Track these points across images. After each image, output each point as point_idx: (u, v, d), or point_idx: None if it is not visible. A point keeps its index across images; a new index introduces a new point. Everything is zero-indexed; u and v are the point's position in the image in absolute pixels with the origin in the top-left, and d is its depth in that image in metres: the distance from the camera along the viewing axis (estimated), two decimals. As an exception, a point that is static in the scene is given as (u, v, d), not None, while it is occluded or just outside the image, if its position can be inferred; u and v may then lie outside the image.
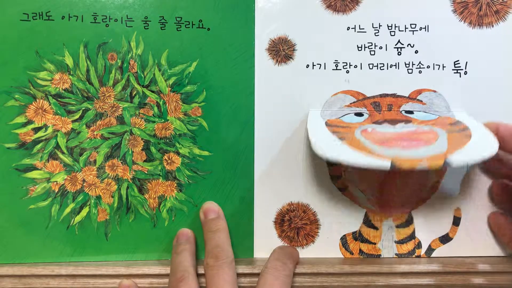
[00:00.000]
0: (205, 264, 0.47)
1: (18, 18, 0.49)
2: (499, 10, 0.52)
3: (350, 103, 0.52)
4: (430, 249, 0.54)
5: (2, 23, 0.49)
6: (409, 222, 0.54)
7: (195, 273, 0.48)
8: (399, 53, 0.52)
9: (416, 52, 0.52)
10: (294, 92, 0.52)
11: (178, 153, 0.51)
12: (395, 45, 0.52)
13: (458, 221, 0.54)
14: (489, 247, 0.54)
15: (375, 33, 0.52)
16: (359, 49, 0.52)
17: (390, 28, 0.52)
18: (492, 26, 0.52)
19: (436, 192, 0.53)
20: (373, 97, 0.52)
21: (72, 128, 0.50)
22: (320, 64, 0.52)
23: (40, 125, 0.50)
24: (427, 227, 0.54)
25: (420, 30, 0.52)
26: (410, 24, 0.52)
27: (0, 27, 0.49)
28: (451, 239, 0.54)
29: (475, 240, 0.54)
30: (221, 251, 0.47)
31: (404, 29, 0.52)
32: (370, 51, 0.52)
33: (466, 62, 0.52)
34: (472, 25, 0.52)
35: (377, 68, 0.52)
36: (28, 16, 0.49)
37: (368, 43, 0.52)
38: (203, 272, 0.48)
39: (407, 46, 0.52)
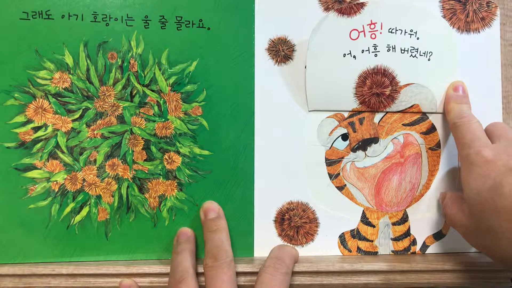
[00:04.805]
0: (204, 264, 0.48)
1: (18, 17, 0.49)
2: (484, 17, 0.54)
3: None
4: (424, 246, 0.55)
5: (2, 21, 0.49)
6: (404, 219, 0.55)
7: (194, 273, 0.48)
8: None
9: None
10: (294, 92, 0.52)
11: (178, 153, 0.51)
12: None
13: (451, 219, 0.55)
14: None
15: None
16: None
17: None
18: (479, 32, 0.54)
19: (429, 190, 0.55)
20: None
21: (72, 128, 0.50)
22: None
23: (40, 124, 0.50)
24: (421, 224, 0.55)
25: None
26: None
27: (0, 26, 0.49)
28: (444, 235, 0.55)
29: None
30: (220, 251, 0.48)
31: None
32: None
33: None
34: (460, 30, 0.54)
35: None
36: (27, 15, 0.49)
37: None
38: (203, 271, 0.48)
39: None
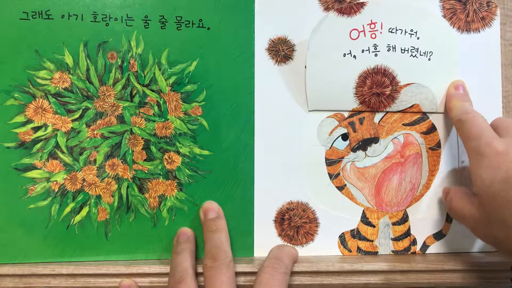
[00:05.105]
0: (203, 264, 0.48)
1: (18, 17, 0.49)
2: (485, 17, 0.54)
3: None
4: (424, 246, 0.55)
5: (2, 21, 0.49)
6: (404, 219, 0.55)
7: (194, 273, 0.48)
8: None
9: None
10: (294, 92, 0.52)
11: (178, 153, 0.51)
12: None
13: (451, 218, 0.55)
14: (481, 243, 0.55)
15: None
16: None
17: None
18: (479, 31, 0.54)
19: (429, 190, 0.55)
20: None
21: (72, 128, 0.50)
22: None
23: (39, 124, 0.50)
24: (421, 224, 0.55)
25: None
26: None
27: (0, 26, 0.49)
28: (444, 235, 0.55)
29: (467, 236, 0.55)
30: (219, 252, 0.47)
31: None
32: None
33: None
34: (460, 30, 0.54)
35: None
36: (27, 15, 0.49)
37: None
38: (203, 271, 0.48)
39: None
